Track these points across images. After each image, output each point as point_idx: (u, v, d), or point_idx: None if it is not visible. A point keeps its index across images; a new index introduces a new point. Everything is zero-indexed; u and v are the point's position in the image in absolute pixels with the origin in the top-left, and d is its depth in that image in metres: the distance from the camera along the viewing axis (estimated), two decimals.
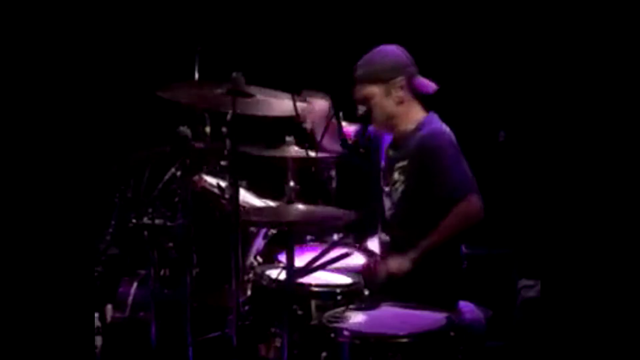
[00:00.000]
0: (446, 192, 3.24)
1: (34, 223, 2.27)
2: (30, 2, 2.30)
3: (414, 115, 3.42)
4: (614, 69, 2.39)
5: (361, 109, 3.43)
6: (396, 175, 3.39)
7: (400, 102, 3.39)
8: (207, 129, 3.48)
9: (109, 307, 3.73)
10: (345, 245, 3.46)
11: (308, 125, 3.46)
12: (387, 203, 3.47)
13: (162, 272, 3.54)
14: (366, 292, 3.27)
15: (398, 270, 3.24)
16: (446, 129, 3.38)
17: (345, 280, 3.34)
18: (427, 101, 3.51)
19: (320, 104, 3.46)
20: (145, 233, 3.48)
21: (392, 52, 3.44)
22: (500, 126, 4.67)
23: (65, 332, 2.29)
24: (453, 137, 3.35)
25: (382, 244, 3.54)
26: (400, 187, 3.37)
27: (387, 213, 3.47)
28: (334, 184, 3.72)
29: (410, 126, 3.41)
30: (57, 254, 2.29)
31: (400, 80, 3.39)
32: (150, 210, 3.50)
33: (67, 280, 2.30)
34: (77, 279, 2.33)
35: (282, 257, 3.26)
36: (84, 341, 2.38)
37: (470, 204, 3.23)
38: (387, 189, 3.46)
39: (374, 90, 3.39)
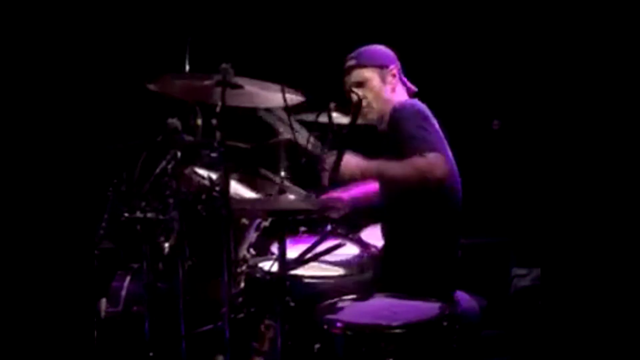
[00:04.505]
0: (410, 153, 3.16)
1: (30, 219, 2.27)
2: None
3: None
4: (606, 58, 2.39)
5: (354, 97, 3.41)
6: None
7: (393, 90, 3.46)
8: (199, 122, 3.46)
9: (103, 301, 3.71)
10: (338, 236, 3.45)
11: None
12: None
13: (155, 266, 3.52)
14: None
15: (353, 166, 3.20)
16: (414, 101, 3.39)
17: (338, 271, 3.32)
18: (422, 89, 3.54)
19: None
20: (138, 227, 3.46)
21: (383, 46, 3.53)
22: (495, 115, 4.66)
23: (63, 326, 2.29)
24: (422, 108, 3.33)
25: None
26: None
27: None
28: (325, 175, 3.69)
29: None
30: (54, 249, 2.29)
31: (394, 67, 3.47)
32: (142, 203, 3.48)
33: (64, 276, 2.30)
34: (74, 274, 2.33)
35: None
36: (82, 335, 2.38)
37: (428, 159, 3.12)
38: None
39: (371, 74, 3.44)
